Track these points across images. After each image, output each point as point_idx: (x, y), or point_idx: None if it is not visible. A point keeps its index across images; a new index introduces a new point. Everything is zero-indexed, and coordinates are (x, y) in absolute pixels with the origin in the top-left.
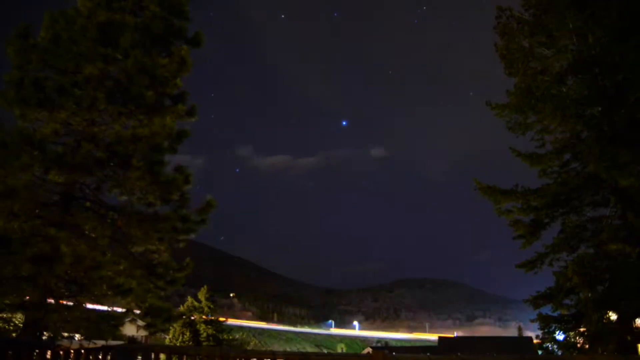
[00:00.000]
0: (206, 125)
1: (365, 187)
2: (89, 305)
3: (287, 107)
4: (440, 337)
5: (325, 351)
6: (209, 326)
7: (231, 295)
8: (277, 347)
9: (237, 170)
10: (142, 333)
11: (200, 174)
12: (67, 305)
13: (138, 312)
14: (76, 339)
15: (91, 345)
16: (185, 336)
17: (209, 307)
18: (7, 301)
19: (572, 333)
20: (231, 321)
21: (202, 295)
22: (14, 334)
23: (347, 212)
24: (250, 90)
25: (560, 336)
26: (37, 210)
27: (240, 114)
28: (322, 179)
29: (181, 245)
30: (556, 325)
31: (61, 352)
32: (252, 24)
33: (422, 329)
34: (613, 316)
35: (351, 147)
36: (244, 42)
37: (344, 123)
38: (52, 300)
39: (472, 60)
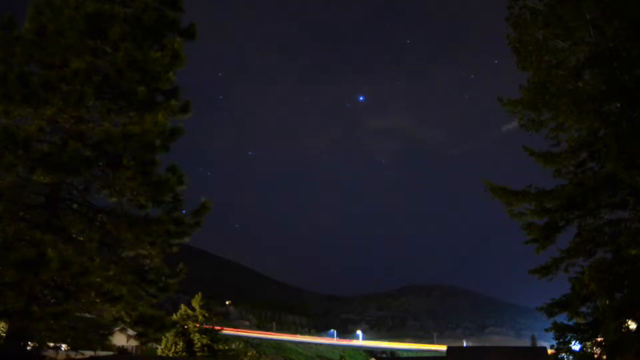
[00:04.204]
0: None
1: (369, 190)
2: (77, 313)
3: None
4: (448, 347)
5: None
6: (204, 336)
7: (227, 302)
8: (277, 357)
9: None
10: (133, 343)
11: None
12: (53, 313)
13: (128, 320)
14: (63, 349)
15: (79, 356)
16: (178, 346)
17: (204, 316)
18: None
19: (588, 343)
20: (227, 330)
21: (196, 302)
22: None
23: (351, 214)
24: None
25: (576, 346)
26: (21, 213)
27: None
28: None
29: (174, 249)
30: (572, 334)
31: None
32: None
33: (430, 339)
34: (632, 325)
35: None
36: None
37: (361, 98)
38: (37, 308)
39: None
